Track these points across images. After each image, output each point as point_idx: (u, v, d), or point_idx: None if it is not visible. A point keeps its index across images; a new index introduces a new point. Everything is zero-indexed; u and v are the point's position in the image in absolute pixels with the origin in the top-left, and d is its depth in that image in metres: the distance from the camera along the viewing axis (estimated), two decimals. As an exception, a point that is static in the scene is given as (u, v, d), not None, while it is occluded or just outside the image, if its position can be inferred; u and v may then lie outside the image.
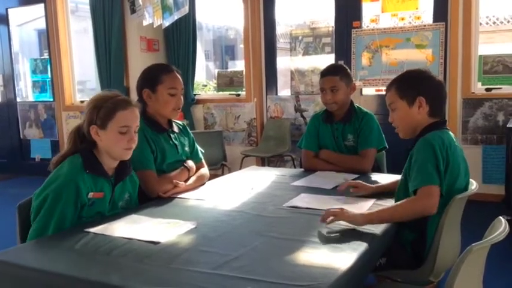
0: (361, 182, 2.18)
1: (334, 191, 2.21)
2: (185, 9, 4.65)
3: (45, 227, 1.70)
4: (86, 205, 1.77)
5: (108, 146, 1.83)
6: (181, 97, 2.34)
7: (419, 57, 4.71)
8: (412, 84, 1.88)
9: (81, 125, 1.87)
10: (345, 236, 1.57)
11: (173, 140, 2.37)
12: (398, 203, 1.70)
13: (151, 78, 2.30)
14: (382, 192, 2.11)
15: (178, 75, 2.34)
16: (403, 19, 4.82)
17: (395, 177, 2.26)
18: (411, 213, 1.69)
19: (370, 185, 2.15)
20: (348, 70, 2.79)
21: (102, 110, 1.81)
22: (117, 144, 1.82)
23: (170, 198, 2.17)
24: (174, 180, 2.24)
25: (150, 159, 2.22)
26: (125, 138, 1.82)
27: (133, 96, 2.41)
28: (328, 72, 2.72)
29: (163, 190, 2.19)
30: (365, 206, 1.91)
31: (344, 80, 2.68)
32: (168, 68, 2.35)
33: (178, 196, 2.20)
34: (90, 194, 1.78)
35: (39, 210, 1.72)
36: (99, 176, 1.82)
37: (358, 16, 5.01)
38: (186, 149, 2.45)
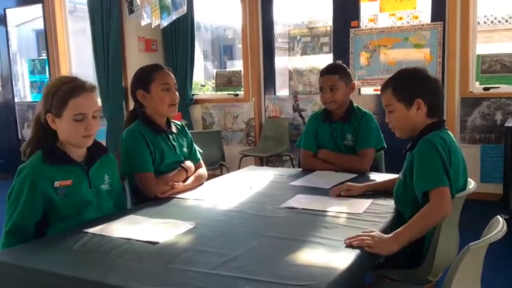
0: (350, 184, 2.17)
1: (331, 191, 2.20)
2: (183, 9, 4.65)
3: (10, 218, 1.71)
4: (54, 195, 1.73)
5: (65, 134, 1.78)
6: (176, 93, 2.35)
7: (417, 56, 4.71)
8: (409, 85, 1.85)
9: (40, 112, 1.81)
10: (344, 236, 1.57)
11: (171, 141, 2.37)
12: (418, 214, 1.66)
13: (143, 78, 2.31)
14: (375, 192, 2.11)
15: (169, 71, 2.36)
16: (401, 19, 4.83)
17: (390, 176, 2.27)
18: (434, 220, 1.66)
19: (359, 184, 2.15)
20: (348, 69, 2.79)
21: (55, 98, 1.74)
22: (74, 133, 1.77)
23: (168, 199, 2.17)
24: (170, 182, 2.24)
25: (148, 162, 2.22)
26: (82, 126, 1.75)
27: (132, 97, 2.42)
28: (327, 71, 2.72)
29: (161, 191, 2.19)
30: (363, 206, 1.91)
31: (343, 79, 2.68)
32: (158, 67, 2.37)
33: (177, 196, 2.20)
34: (57, 184, 1.74)
35: (8, 201, 1.74)
36: (63, 165, 1.78)
37: (356, 16, 5.02)
38: (185, 149, 2.45)
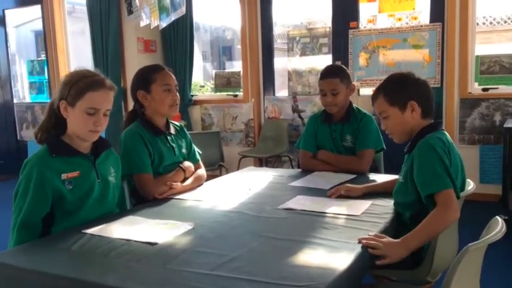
0: (349, 185, 2.15)
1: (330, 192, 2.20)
2: (182, 10, 4.65)
3: (19, 214, 1.71)
4: (63, 187, 1.74)
5: (74, 124, 1.80)
6: (177, 93, 2.35)
7: (416, 57, 4.71)
8: (400, 89, 1.86)
9: (55, 98, 1.84)
10: (343, 237, 1.57)
11: (170, 142, 2.37)
12: (426, 219, 1.66)
13: (144, 79, 2.31)
14: (375, 193, 2.10)
15: (170, 72, 2.36)
16: (400, 19, 4.83)
17: (389, 178, 2.26)
18: (443, 225, 1.66)
19: (358, 186, 2.14)
20: (347, 71, 2.78)
21: (73, 87, 1.77)
22: (82, 125, 1.78)
23: (167, 199, 2.17)
24: (168, 182, 2.24)
25: (147, 163, 2.22)
26: (91, 120, 1.77)
27: (131, 98, 2.41)
28: (328, 75, 2.69)
29: (159, 192, 2.19)
30: (362, 208, 1.90)
31: (344, 82, 2.67)
32: (158, 67, 2.37)
33: (176, 197, 2.20)
34: (64, 176, 1.75)
35: (15, 197, 1.74)
36: (70, 157, 1.79)
37: (355, 16, 5.02)
38: (183, 150, 2.45)
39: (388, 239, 1.57)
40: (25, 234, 1.69)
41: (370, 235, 1.56)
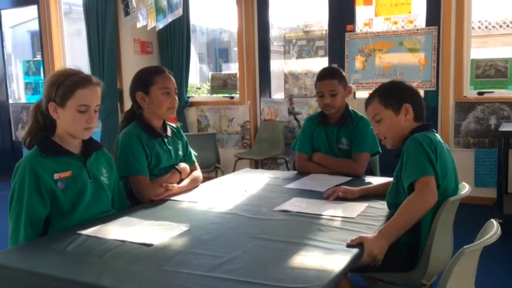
0: (345, 187, 2.16)
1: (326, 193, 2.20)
2: (179, 12, 4.65)
3: (18, 217, 1.70)
4: (56, 187, 1.73)
5: (66, 124, 1.79)
6: (176, 97, 2.35)
7: (412, 61, 4.73)
8: (395, 93, 1.92)
9: (41, 101, 1.82)
10: (339, 239, 1.57)
11: (167, 145, 2.36)
12: (403, 204, 1.68)
13: (143, 80, 2.30)
14: (370, 195, 2.11)
15: (170, 75, 2.35)
16: (396, 23, 4.85)
17: (384, 180, 2.27)
18: (419, 209, 1.67)
19: (355, 188, 2.15)
20: (343, 73, 2.80)
21: (61, 87, 1.75)
22: (75, 123, 1.78)
23: (163, 201, 2.17)
24: (164, 184, 2.23)
25: (144, 165, 2.22)
26: (84, 118, 1.78)
27: (127, 99, 2.41)
28: (326, 76, 2.70)
29: (155, 194, 2.19)
30: (358, 210, 1.91)
31: (342, 84, 2.68)
32: (159, 69, 2.36)
33: (172, 198, 2.20)
34: (56, 176, 1.74)
35: (11, 202, 1.73)
36: (60, 157, 1.78)
37: (351, 20, 5.03)
38: (180, 153, 2.44)
39: (366, 235, 1.58)
40: (31, 232, 1.69)
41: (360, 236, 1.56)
